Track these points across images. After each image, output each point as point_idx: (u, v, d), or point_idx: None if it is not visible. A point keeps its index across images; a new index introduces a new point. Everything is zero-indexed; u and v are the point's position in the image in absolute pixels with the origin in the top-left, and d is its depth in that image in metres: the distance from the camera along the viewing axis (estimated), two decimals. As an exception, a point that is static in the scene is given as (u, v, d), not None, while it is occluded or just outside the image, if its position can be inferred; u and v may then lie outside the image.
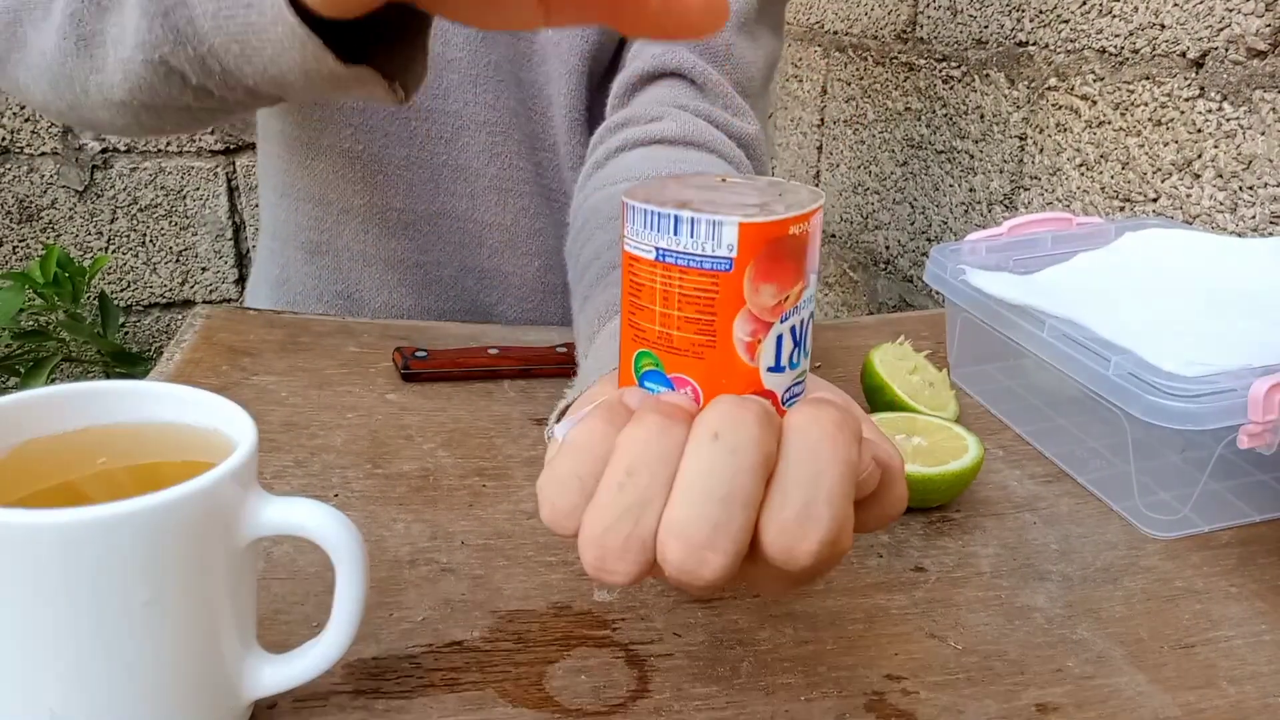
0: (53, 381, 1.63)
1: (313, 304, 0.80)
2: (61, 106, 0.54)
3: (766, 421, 0.28)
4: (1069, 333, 0.53)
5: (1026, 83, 0.99)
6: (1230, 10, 0.75)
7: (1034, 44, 0.98)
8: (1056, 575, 0.46)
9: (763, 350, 0.30)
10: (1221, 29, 0.76)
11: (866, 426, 0.33)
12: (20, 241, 1.75)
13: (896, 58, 1.25)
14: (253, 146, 1.76)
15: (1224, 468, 0.52)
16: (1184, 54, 0.80)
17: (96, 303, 1.74)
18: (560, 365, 0.63)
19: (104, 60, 0.49)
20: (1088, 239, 0.66)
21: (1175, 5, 0.80)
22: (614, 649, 0.40)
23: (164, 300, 1.87)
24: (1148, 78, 0.84)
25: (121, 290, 1.84)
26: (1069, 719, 0.38)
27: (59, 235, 1.76)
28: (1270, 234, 0.73)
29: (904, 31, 1.23)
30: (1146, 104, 0.84)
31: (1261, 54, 0.73)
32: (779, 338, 0.30)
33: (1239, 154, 0.75)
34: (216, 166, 1.80)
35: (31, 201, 1.73)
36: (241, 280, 1.90)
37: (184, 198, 1.80)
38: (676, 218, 0.29)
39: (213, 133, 1.77)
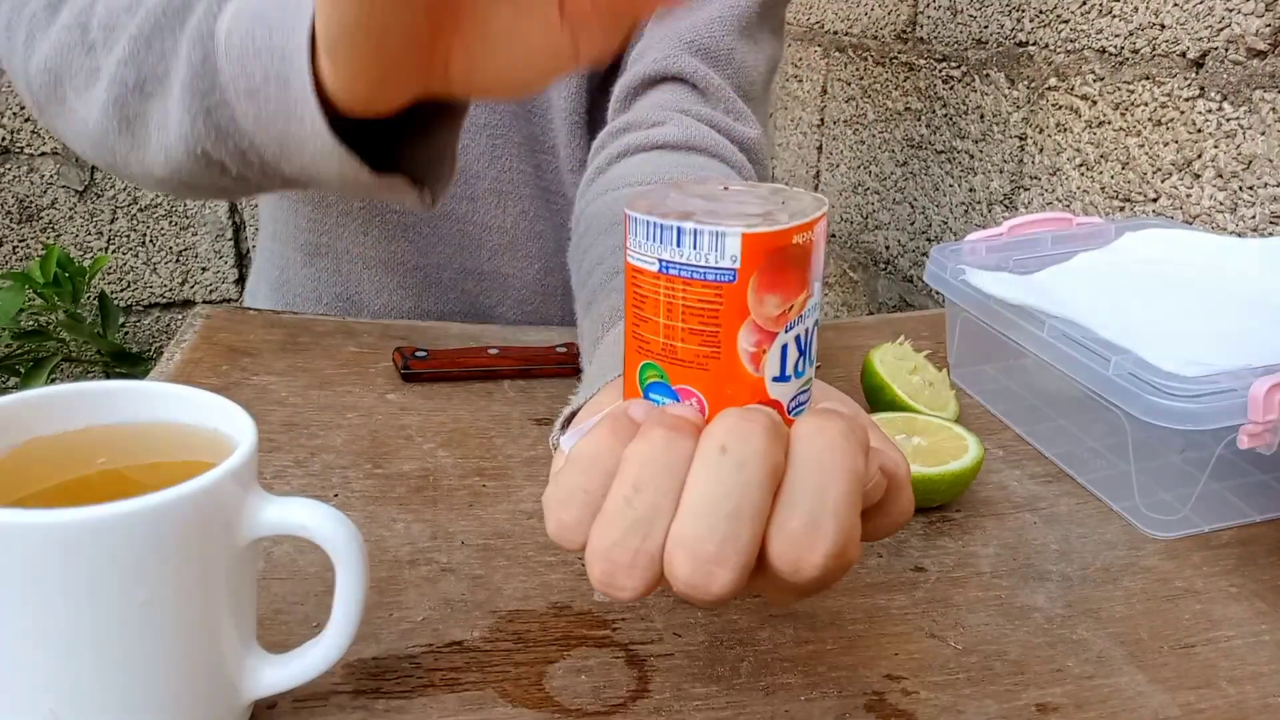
0: (53, 381, 1.63)
1: (312, 306, 0.80)
2: (100, 164, 0.55)
3: (774, 433, 0.28)
4: (1069, 333, 0.53)
5: (1026, 83, 0.99)
6: (1230, 10, 0.75)
7: (1034, 44, 0.98)
8: (1056, 575, 0.46)
9: (767, 360, 0.30)
10: (1221, 29, 0.76)
11: (874, 434, 0.33)
12: (20, 241, 1.75)
13: (896, 58, 1.25)
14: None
15: (1224, 468, 0.52)
16: (1184, 54, 0.80)
17: (96, 303, 1.74)
18: (560, 365, 0.63)
19: (145, 141, 0.50)
20: (1088, 239, 0.66)
21: (1175, 5, 0.80)
22: (614, 649, 0.40)
23: (164, 300, 1.87)
24: (1148, 78, 0.84)
25: (121, 290, 1.84)
26: (1069, 719, 0.38)
27: (59, 235, 1.76)
28: (1270, 234, 0.73)
29: (904, 31, 1.23)
30: (1146, 104, 0.84)
31: (1261, 54, 0.73)
32: (784, 347, 0.30)
33: (1239, 154, 0.75)
34: (216, 166, 1.80)
35: (31, 201, 1.73)
36: (241, 280, 1.90)
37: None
38: (679, 229, 0.29)
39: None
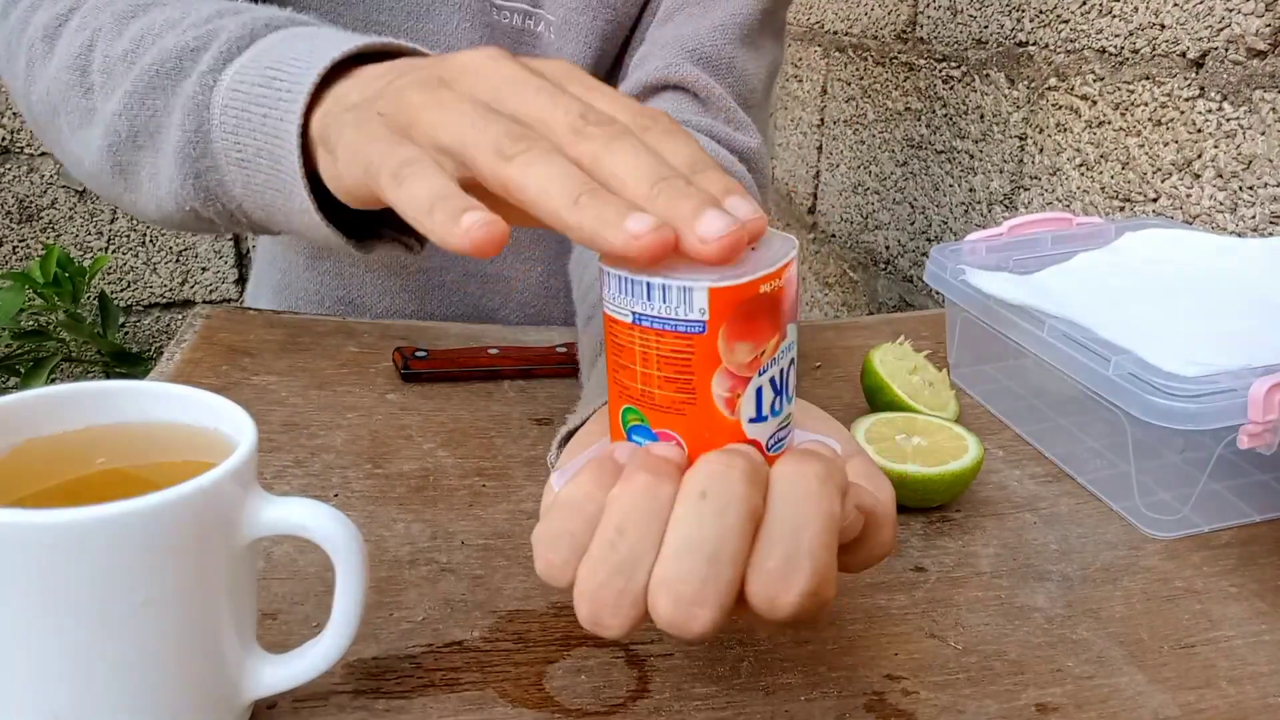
0: (53, 381, 1.63)
1: (314, 309, 0.80)
2: (98, 194, 0.56)
3: (752, 478, 0.29)
4: (1069, 333, 0.53)
5: (1026, 83, 0.99)
6: (1230, 10, 0.75)
7: (1034, 44, 0.98)
8: (1056, 575, 0.46)
9: (742, 404, 0.31)
10: (1221, 29, 0.76)
11: (861, 466, 0.34)
12: (20, 241, 1.75)
13: (896, 58, 1.25)
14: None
15: (1224, 468, 0.52)
16: (1184, 54, 0.80)
17: (96, 303, 1.74)
18: (560, 365, 0.63)
19: (138, 187, 0.51)
20: (1088, 239, 0.66)
21: (1175, 5, 0.80)
22: (614, 649, 0.40)
23: (164, 300, 1.87)
24: (1148, 78, 0.84)
25: (121, 290, 1.84)
26: (1069, 719, 0.38)
27: (59, 235, 1.76)
28: (1270, 234, 0.73)
29: (904, 31, 1.23)
30: (1146, 104, 0.84)
31: (1261, 54, 0.73)
32: (758, 390, 0.31)
33: (1239, 154, 0.75)
34: (216, 166, 1.80)
35: (31, 201, 1.73)
36: (241, 280, 1.90)
37: (184, 198, 1.80)
38: (649, 284, 0.30)
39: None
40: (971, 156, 1.10)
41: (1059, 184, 0.96)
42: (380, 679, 0.37)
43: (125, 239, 1.80)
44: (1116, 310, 0.55)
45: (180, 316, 1.89)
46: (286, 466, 0.51)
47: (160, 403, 0.35)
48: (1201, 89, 0.78)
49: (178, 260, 1.85)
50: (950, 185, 1.15)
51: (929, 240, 1.21)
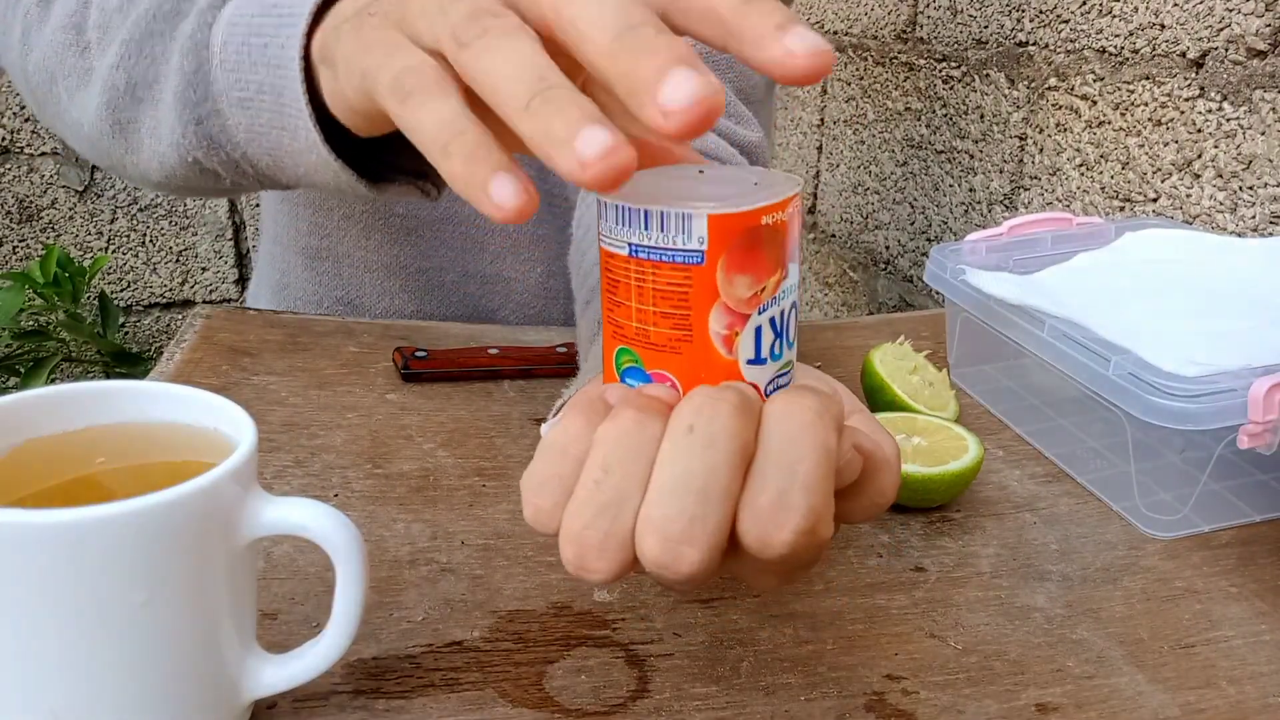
0: (53, 381, 1.63)
1: (313, 310, 0.80)
2: (99, 164, 0.55)
3: (743, 410, 0.28)
4: (1069, 333, 0.53)
5: (1026, 83, 0.99)
6: (1230, 10, 0.75)
7: (1034, 44, 0.98)
8: (1056, 575, 0.46)
9: (741, 343, 0.29)
10: (1221, 29, 0.76)
11: (860, 417, 0.33)
12: (20, 241, 1.75)
13: (896, 58, 1.25)
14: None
15: (1224, 468, 0.52)
16: (1184, 54, 0.80)
17: (96, 303, 1.74)
18: (560, 365, 0.63)
19: (139, 146, 0.49)
20: (1087, 239, 0.67)
21: (1175, 5, 0.80)
22: (614, 649, 0.40)
23: (164, 300, 1.87)
24: (1148, 78, 0.84)
25: (121, 290, 1.84)
26: (1069, 719, 0.38)
27: (59, 235, 1.76)
28: (1270, 234, 0.73)
29: (904, 31, 1.23)
30: (1146, 104, 0.84)
31: (1261, 54, 0.73)
32: (758, 330, 0.30)
33: (1239, 154, 0.75)
34: (216, 166, 1.80)
35: (31, 201, 1.73)
36: (241, 280, 1.90)
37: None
38: (646, 212, 0.29)
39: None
40: (971, 156, 1.10)
41: (1059, 184, 0.96)
42: (380, 679, 0.37)
43: (125, 239, 1.80)
44: (1116, 310, 0.55)
45: (180, 316, 1.89)
46: (286, 466, 0.51)
47: (160, 403, 0.35)
48: (1201, 89, 0.78)
49: (178, 260, 1.85)
50: (950, 185, 1.15)
51: (929, 240, 1.21)
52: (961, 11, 1.09)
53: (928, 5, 1.17)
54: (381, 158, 0.45)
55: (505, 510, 0.49)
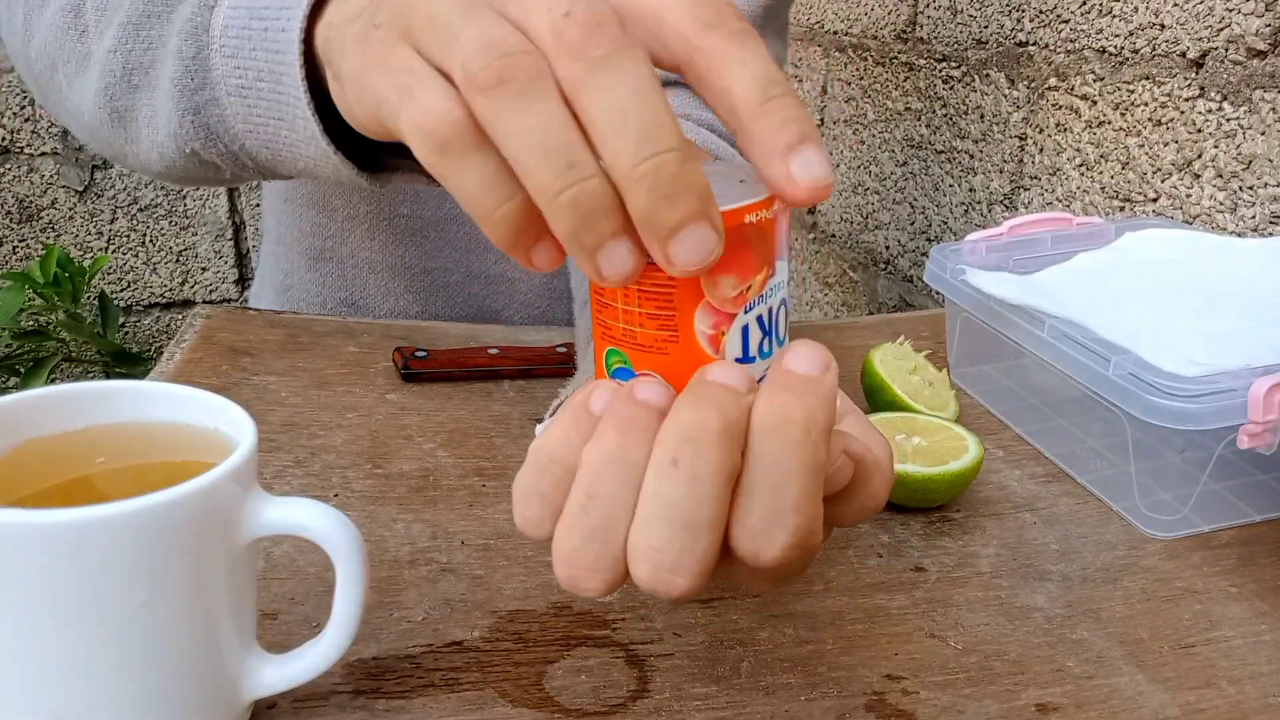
0: (53, 381, 1.63)
1: (317, 311, 0.80)
2: (101, 154, 0.53)
3: (727, 438, 0.27)
4: (1069, 333, 0.53)
5: (1026, 83, 0.99)
6: (1230, 10, 0.75)
7: (1034, 44, 0.98)
8: (1056, 575, 0.46)
9: (727, 343, 0.29)
10: (1221, 29, 0.76)
11: (852, 419, 0.32)
12: (20, 241, 1.75)
13: (896, 58, 1.25)
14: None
15: (1224, 468, 0.52)
16: (1184, 54, 0.80)
17: (96, 303, 1.74)
18: (560, 365, 0.63)
19: (137, 135, 0.48)
20: (1087, 239, 0.66)
21: (1175, 5, 0.80)
22: (614, 649, 0.40)
23: (164, 300, 1.87)
24: (1148, 78, 0.84)
25: (121, 290, 1.84)
26: (1069, 719, 0.38)
27: (59, 235, 1.76)
28: (1270, 234, 0.73)
29: (904, 31, 1.23)
30: (1146, 104, 0.84)
31: (1261, 54, 0.73)
32: (745, 329, 0.29)
33: (1239, 154, 0.75)
34: (216, 166, 1.80)
35: (31, 201, 1.73)
36: (241, 280, 1.90)
37: (184, 198, 1.81)
38: None
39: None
40: (971, 156, 1.10)
41: (1059, 184, 0.96)
42: (380, 679, 0.37)
43: (125, 239, 1.80)
44: (1116, 310, 0.55)
45: (180, 316, 1.89)
46: (286, 466, 0.51)
47: (160, 403, 0.35)
48: (1201, 89, 0.78)
49: (178, 260, 1.84)
50: (950, 185, 1.15)
51: (929, 240, 1.21)
52: (961, 11, 1.10)
53: (928, 5, 1.17)
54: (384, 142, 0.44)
55: (505, 510, 0.49)
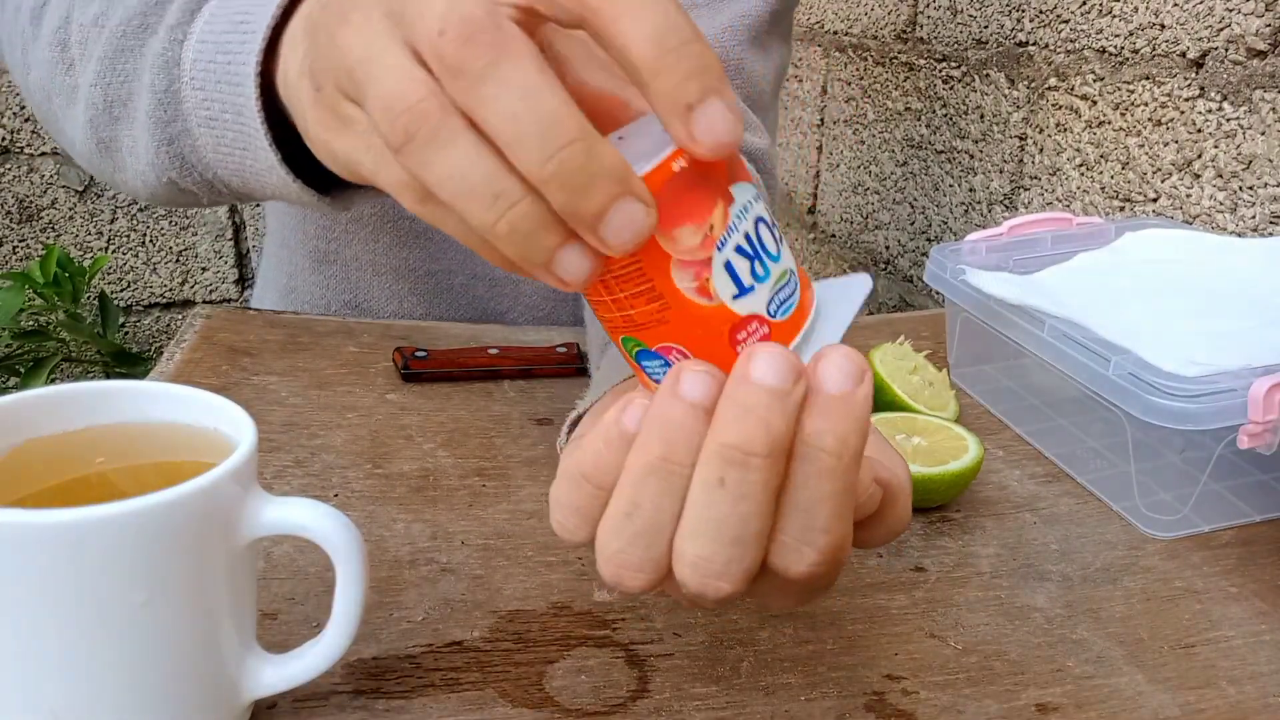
0: (53, 381, 1.63)
1: (321, 313, 0.80)
2: (98, 179, 0.55)
3: (773, 456, 0.27)
4: (1069, 333, 0.53)
5: (1026, 83, 0.99)
6: (1230, 10, 0.75)
7: (1034, 44, 0.98)
8: (1056, 575, 0.46)
9: (716, 285, 0.29)
10: (1221, 29, 0.76)
11: (873, 439, 0.33)
12: (20, 241, 1.75)
13: (896, 58, 1.25)
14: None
15: (1224, 468, 0.52)
16: (1184, 54, 0.80)
17: (96, 303, 1.74)
18: (560, 365, 0.63)
19: (123, 164, 0.49)
20: (1087, 239, 0.66)
21: (1175, 5, 0.80)
22: (614, 649, 0.40)
23: (164, 300, 1.87)
24: (1148, 78, 0.84)
25: (121, 290, 1.84)
26: (1069, 719, 0.38)
27: (59, 235, 1.76)
28: (1270, 234, 0.73)
29: (904, 31, 1.23)
30: (1146, 104, 0.84)
31: (1261, 54, 0.73)
32: (727, 265, 0.29)
33: (1239, 154, 0.75)
34: (216, 166, 1.80)
35: (31, 201, 1.73)
36: (241, 280, 1.90)
37: (184, 198, 1.80)
38: None
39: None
40: (971, 156, 1.10)
41: (1059, 184, 0.96)
42: (380, 679, 0.37)
43: (125, 239, 1.80)
44: (1116, 310, 0.55)
45: (180, 316, 1.89)
46: (286, 466, 0.51)
47: (160, 403, 0.35)
48: (1201, 89, 0.78)
49: (178, 260, 1.84)
50: (950, 185, 1.15)
51: (929, 240, 1.21)
52: (961, 11, 1.09)
53: (928, 5, 1.17)
54: None
55: (505, 510, 0.49)
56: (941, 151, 1.16)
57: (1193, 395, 0.46)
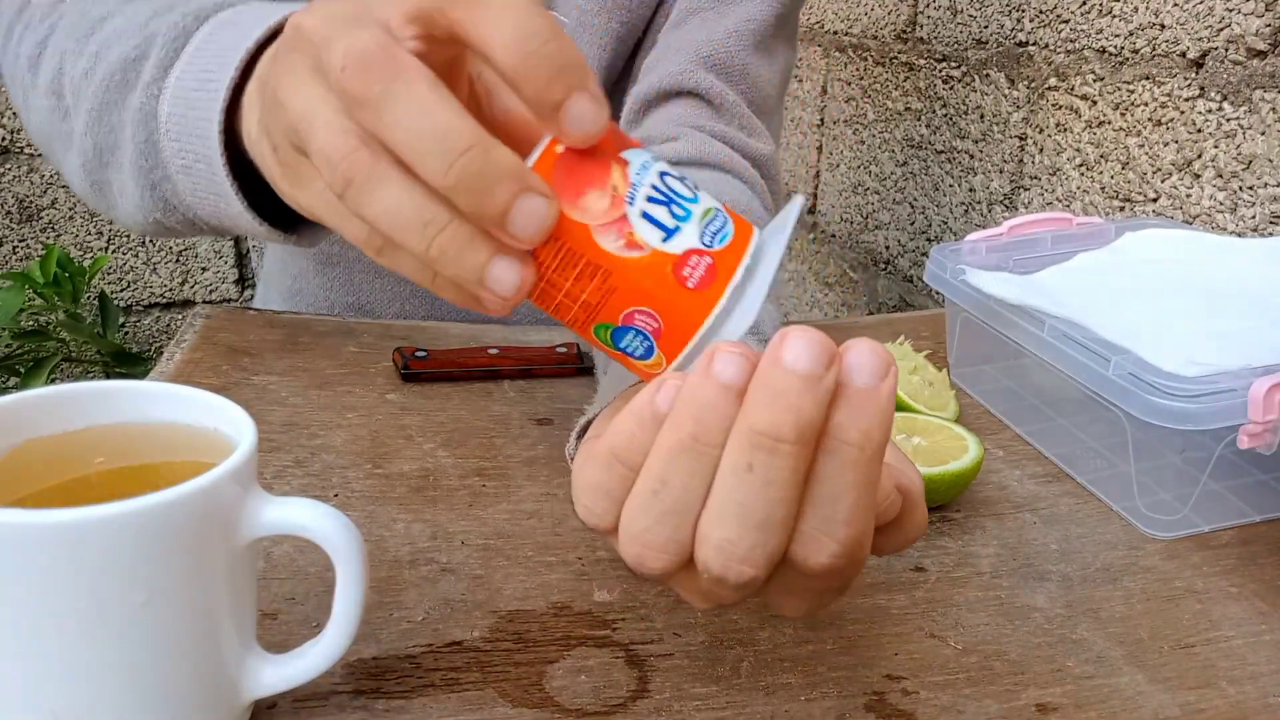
0: (53, 381, 1.63)
1: (323, 314, 0.80)
2: (98, 212, 0.58)
3: (801, 443, 0.28)
4: (1069, 333, 0.53)
5: (1026, 83, 0.99)
6: (1230, 10, 0.75)
7: (1034, 44, 0.98)
8: (1056, 575, 0.46)
9: (641, 235, 0.30)
10: (1221, 29, 0.76)
11: (890, 451, 0.33)
12: (20, 241, 1.75)
13: (896, 58, 1.25)
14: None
15: (1224, 468, 0.52)
16: (1184, 54, 0.80)
17: (96, 303, 1.74)
18: (560, 365, 0.63)
19: (114, 204, 0.52)
20: (1087, 239, 0.67)
21: (1175, 5, 0.80)
22: (614, 649, 0.40)
23: (164, 300, 1.87)
24: (1148, 78, 0.84)
25: (121, 290, 1.84)
26: (1069, 719, 0.38)
27: (59, 235, 1.76)
28: (1270, 234, 0.73)
29: (904, 31, 1.23)
30: (1146, 104, 0.84)
31: (1261, 54, 0.73)
32: (643, 214, 0.30)
33: (1239, 154, 0.75)
34: (216, 166, 1.80)
35: (31, 201, 1.73)
36: (241, 280, 1.90)
37: (184, 198, 1.80)
38: None
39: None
40: (971, 156, 1.10)
41: (1059, 184, 0.96)
42: (380, 679, 0.37)
43: (125, 239, 1.80)
44: (1116, 310, 0.55)
45: (180, 316, 1.89)
46: (286, 466, 0.51)
47: (160, 403, 0.35)
48: (1201, 89, 0.78)
49: (178, 260, 1.84)
50: (950, 185, 1.15)
51: (929, 240, 1.21)
52: (961, 11, 1.10)
53: (928, 5, 1.17)
54: None
55: (505, 510, 0.49)
56: (941, 151, 1.16)
57: (1193, 395, 0.46)
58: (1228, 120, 0.76)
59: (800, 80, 1.54)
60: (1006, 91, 1.03)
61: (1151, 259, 0.63)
